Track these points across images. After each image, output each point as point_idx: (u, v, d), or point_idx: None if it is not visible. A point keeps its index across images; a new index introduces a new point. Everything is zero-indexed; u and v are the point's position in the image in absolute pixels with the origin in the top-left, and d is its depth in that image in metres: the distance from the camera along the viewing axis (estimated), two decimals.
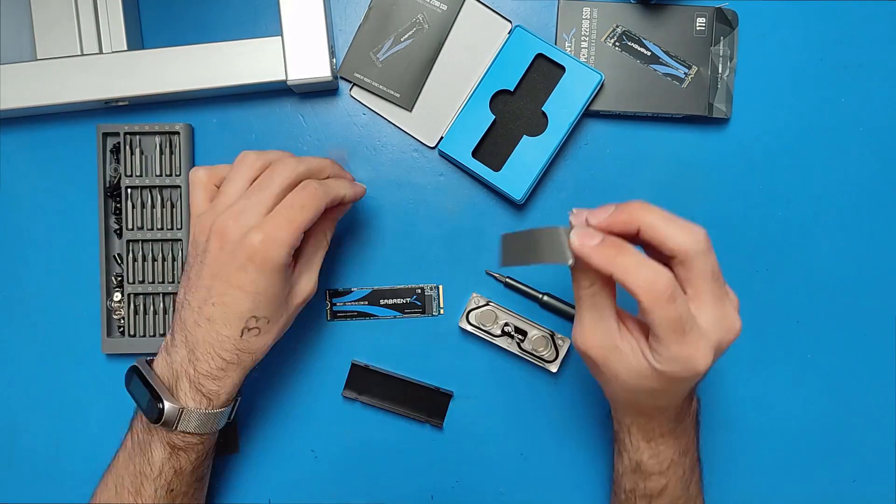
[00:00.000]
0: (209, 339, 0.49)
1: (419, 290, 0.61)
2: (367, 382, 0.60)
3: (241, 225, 0.47)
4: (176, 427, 0.49)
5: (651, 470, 0.50)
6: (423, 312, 0.61)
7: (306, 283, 0.52)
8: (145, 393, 0.50)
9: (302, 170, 0.50)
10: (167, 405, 0.48)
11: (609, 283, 0.44)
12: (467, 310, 0.59)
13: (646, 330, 0.45)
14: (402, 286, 0.61)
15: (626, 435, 0.50)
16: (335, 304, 0.61)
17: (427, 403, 0.60)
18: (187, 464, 0.51)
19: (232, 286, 0.48)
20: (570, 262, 0.42)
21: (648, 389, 0.45)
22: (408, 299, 0.61)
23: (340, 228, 0.61)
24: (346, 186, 0.52)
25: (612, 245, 0.41)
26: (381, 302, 0.61)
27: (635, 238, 0.44)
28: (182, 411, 0.49)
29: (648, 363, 0.43)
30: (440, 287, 0.61)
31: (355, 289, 0.61)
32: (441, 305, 0.61)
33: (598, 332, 0.44)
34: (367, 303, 0.61)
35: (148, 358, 0.52)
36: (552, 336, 0.59)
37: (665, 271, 0.41)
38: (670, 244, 0.42)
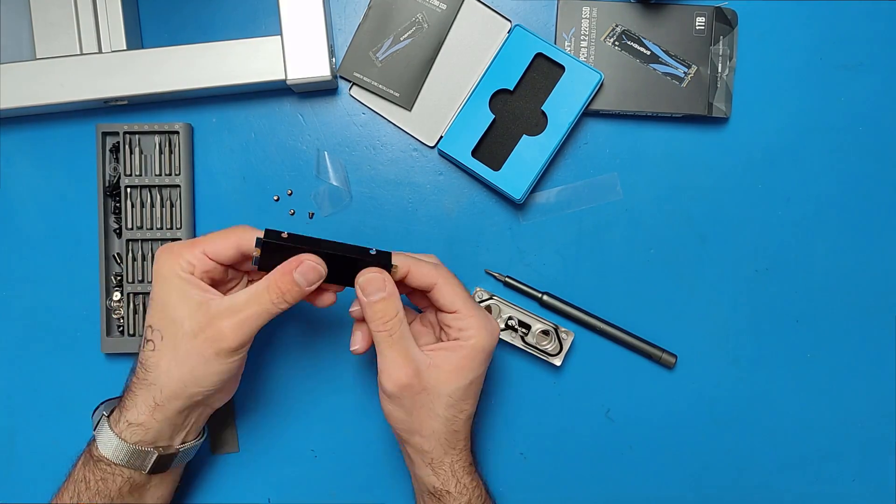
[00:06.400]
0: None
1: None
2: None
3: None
4: (95, 440, 0.50)
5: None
6: None
7: (227, 327, 0.47)
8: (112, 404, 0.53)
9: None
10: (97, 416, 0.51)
11: (404, 315, 0.49)
12: None
13: (431, 333, 0.53)
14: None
15: (448, 476, 0.51)
16: None
17: None
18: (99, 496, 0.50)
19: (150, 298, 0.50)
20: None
21: (464, 388, 0.49)
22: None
23: (340, 229, 0.61)
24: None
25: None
26: None
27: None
28: (100, 421, 0.51)
29: (459, 348, 0.49)
30: None
31: None
32: None
33: (410, 363, 0.48)
34: None
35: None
36: (556, 329, 0.59)
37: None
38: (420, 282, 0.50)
